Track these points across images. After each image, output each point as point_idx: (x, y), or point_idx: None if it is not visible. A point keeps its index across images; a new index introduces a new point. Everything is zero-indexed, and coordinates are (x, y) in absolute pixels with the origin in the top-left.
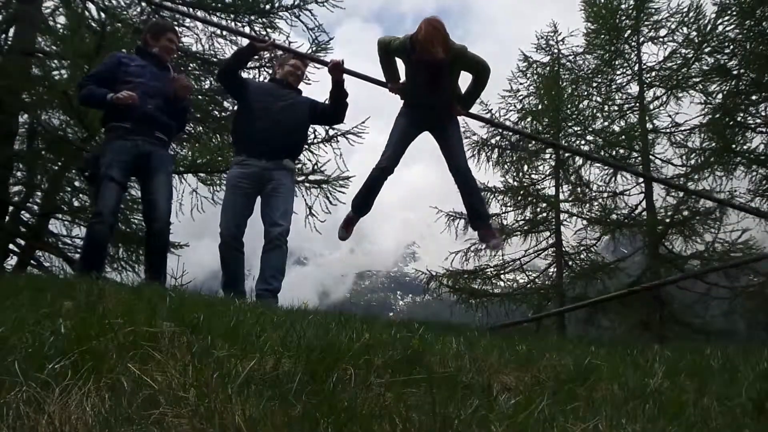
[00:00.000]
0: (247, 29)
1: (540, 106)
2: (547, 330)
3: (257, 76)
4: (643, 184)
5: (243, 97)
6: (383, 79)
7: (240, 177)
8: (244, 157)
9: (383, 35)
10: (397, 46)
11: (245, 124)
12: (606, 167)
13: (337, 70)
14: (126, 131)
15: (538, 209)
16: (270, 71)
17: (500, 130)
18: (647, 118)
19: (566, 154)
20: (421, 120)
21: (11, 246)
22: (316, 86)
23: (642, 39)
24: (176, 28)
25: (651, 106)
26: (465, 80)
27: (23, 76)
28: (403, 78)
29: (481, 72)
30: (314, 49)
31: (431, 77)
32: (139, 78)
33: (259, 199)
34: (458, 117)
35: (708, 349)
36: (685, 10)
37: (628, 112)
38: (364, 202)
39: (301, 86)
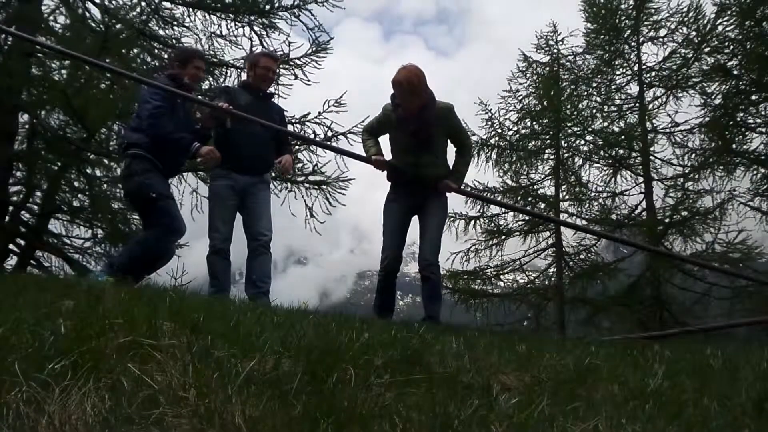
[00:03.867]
0: (247, 29)
1: (539, 107)
2: (547, 330)
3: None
4: (642, 185)
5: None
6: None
7: (227, 188)
8: (229, 172)
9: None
10: (380, 118)
11: (231, 143)
12: (606, 168)
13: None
14: (156, 165)
15: (537, 209)
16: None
17: (499, 131)
18: (647, 118)
19: (566, 154)
20: (409, 196)
21: (11, 246)
22: (315, 88)
23: (642, 39)
24: (203, 53)
25: (651, 106)
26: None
27: (23, 76)
28: (388, 158)
29: (464, 141)
30: (314, 49)
31: (416, 130)
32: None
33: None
34: (447, 194)
35: (708, 349)
36: (685, 10)
37: (627, 112)
38: (383, 305)
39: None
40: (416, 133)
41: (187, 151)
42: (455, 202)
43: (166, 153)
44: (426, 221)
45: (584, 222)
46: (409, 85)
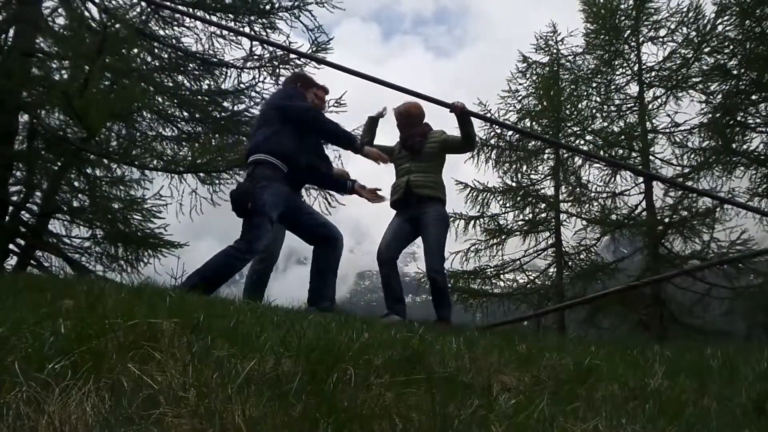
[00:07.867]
0: (247, 29)
1: (539, 107)
2: (547, 330)
3: (257, 76)
4: (642, 184)
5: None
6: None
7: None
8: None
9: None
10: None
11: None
12: (606, 168)
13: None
14: (286, 177)
15: (537, 209)
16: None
17: (499, 131)
18: (647, 118)
19: (566, 154)
20: (407, 210)
21: (11, 246)
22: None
23: (641, 39)
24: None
25: (651, 106)
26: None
27: (23, 76)
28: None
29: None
30: (314, 49)
31: (406, 138)
32: None
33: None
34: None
35: (708, 349)
36: (685, 10)
37: (627, 112)
38: (387, 295)
39: None
40: (405, 142)
41: (351, 144)
42: (455, 203)
43: (302, 157)
44: (424, 234)
45: (584, 222)
46: (405, 114)
